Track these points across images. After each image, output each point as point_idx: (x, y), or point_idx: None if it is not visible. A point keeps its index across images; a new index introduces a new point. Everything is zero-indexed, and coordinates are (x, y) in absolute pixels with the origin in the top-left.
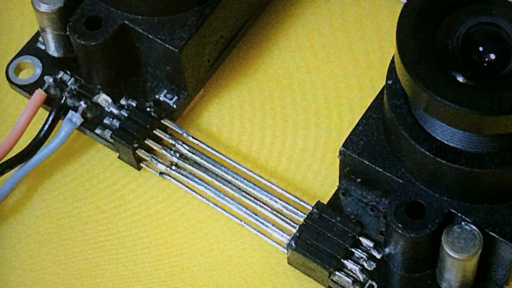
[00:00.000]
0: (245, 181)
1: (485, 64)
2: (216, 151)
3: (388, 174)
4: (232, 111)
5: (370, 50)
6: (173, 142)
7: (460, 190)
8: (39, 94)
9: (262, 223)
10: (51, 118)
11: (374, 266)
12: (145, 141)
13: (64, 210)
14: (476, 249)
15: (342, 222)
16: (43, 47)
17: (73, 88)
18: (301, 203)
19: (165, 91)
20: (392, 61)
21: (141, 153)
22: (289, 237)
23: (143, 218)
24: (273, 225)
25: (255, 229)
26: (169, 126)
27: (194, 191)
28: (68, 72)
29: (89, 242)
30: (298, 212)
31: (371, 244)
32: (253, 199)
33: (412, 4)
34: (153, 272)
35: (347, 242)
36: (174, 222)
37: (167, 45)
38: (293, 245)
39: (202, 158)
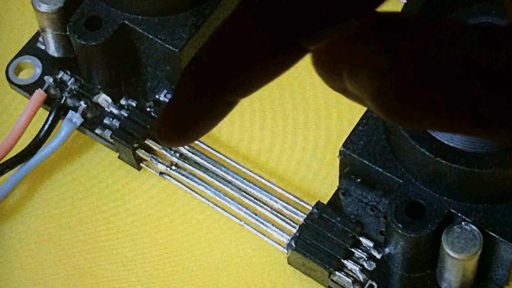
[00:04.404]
0: (245, 181)
1: None
2: (216, 151)
3: (388, 174)
4: (232, 111)
5: None
6: None
7: (460, 190)
8: (39, 94)
9: (262, 223)
10: (51, 118)
11: (374, 266)
12: (145, 141)
13: (64, 210)
14: (476, 249)
15: (342, 222)
16: (43, 47)
17: (73, 88)
18: (301, 203)
19: (165, 91)
20: None
21: (141, 153)
22: (289, 237)
23: (143, 218)
24: (273, 225)
25: (255, 229)
26: None
27: (194, 191)
28: (68, 72)
29: (89, 242)
30: (298, 212)
31: (371, 244)
32: (253, 199)
33: (412, 4)
34: (153, 272)
35: (347, 242)
36: (174, 222)
37: (167, 45)
38: (293, 245)
39: (202, 158)
